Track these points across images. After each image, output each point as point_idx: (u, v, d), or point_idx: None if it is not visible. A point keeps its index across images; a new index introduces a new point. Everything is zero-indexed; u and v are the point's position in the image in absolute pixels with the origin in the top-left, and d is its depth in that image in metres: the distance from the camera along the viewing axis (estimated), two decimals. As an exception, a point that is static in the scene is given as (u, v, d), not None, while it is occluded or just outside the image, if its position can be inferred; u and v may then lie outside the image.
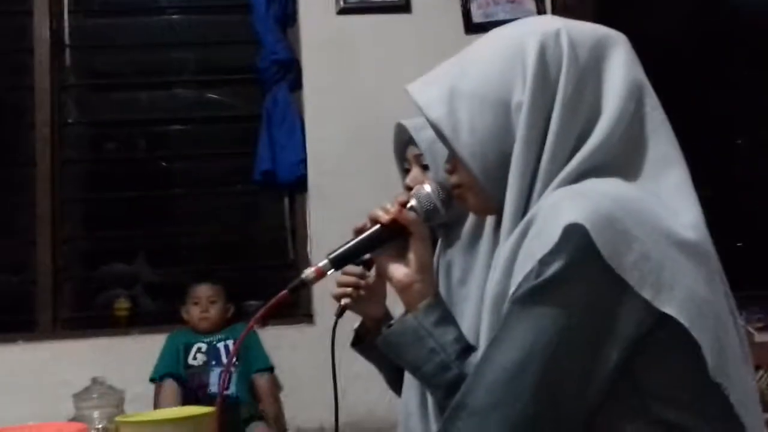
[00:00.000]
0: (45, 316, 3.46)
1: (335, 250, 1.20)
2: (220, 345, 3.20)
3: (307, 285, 1.19)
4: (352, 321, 1.53)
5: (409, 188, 1.53)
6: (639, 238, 0.91)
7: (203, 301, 3.25)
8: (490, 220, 1.34)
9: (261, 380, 3.04)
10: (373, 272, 1.42)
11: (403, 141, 1.58)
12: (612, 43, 1.05)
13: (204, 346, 3.20)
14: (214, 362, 3.15)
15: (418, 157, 1.53)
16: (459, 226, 1.47)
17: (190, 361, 3.17)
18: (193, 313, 3.24)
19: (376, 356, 1.55)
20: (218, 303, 3.25)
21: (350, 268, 1.40)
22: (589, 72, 1.03)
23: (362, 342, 1.54)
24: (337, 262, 1.20)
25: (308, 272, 1.18)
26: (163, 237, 3.74)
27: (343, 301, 1.42)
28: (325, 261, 1.19)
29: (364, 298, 1.44)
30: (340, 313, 1.42)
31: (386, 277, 1.21)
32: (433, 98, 1.07)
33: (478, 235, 1.43)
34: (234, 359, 3.08)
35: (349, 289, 1.42)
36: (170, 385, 3.06)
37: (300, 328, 3.39)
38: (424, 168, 1.52)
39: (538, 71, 1.01)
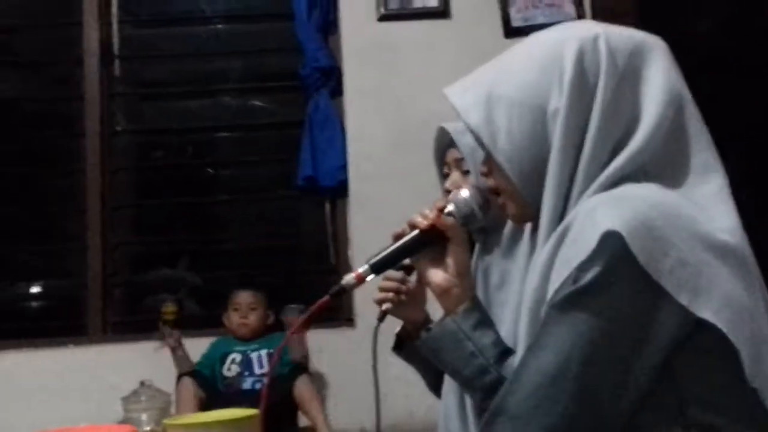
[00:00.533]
0: (95, 320, 3.53)
1: (375, 256, 1.22)
2: (254, 355, 3.21)
3: (347, 290, 1.21)
4: (393, 325, 1.54)
5: (449, 192, 1.53)
6: (676, 244, 0.91)
7: (243, 308, 3.27)
8: (528, 225, 1.34)
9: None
10: (413, 277, 1.44)
11: (444, 144, 1.58)
12: (650, 49, 1.05)
13: (238, 357, 3.22)
14: (247, 372, 3.18)
15: (459, 162, 1.54)
16: (497, 231, 1.48)
17: (225, 372, 3.19)
18: (233, 319, 3.26)
19: (417, 360, 1.56)
20: (258, 310, 3.27)
21: (391, 273, 1.42)
22: (628, 78, 1.03)
23: (403, 346, 1.55)
24: (377, 268, 1.21)
25: (348, 278, 1.20)
26: (209, 242, 3.80)
27: (385, 306, 1.44)
28: (366, 267, 1.21)
29: (405, 303, 1.45)
30: (382, 317, 1.43)
31: (425, 281, 1.22)
32: (471, 103, 1.08)
33: (516, 239, 1.43)
34: (274, 365, 3.09)
35: (390, 294, 1.44)
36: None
37: (341, 331, 3.40)
38: (465, 173, 1.53)
39: (576, 77, 1.02)
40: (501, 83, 1.07)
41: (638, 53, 1.04)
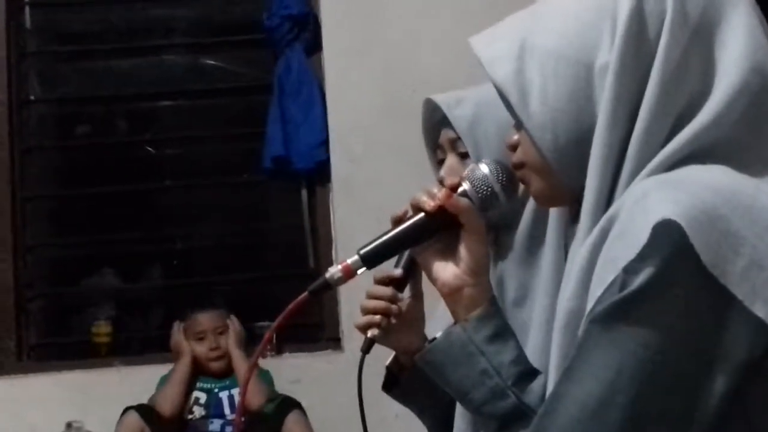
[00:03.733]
0: (7, 344, 3.50)
1: (368, 244, 1.21)
2: (223, 394, 3.22)
3: (332, 287, 1.21)
4: (386, 352, 1.54)
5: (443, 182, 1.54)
6: (749, 240, 0.90)
7: (210, 335, 3.24)
8: (554, 219, 1.34)
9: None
10: (406, 294, 1.43)
11: (435, 121, 1.58)
12: (732, 0, 1.06)
13: (203, 397, 3.22)
14: (215, 415, 3.19)
15: (454, 143, 1.53)
16: (512, 230, 1.47)
17: (187, 415, 3.19)
18: (200, 351, 3.22)
19: (414, 399, 1.56)
20: (227, 333, 3.25)
21: (378, 290, 1.41)
22: (701, 34, 1.02)
23: (396, 383, 1.55)
24: (370, 259, 1.21)
25: (334, 271, 1.20)
26: (153, 242, 3.77)
27: (370, 333, 1.42)
28: (355, 257, 1.20)
29: (397, 328, 1.44)
30: (367, 347, 1.42)
31: (431, 278, 1.22)
32: (499, 54, 1.08)
33: (537, 239, 1.42)
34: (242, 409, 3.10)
35: (377, 317, 1.42)
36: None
37: (326, 355, 3.40)
38: (462, 155, 1.52)
39: (632, 27, 1.02)
40: (538, 31, 1.07)
41: (716, 4, 1.03)
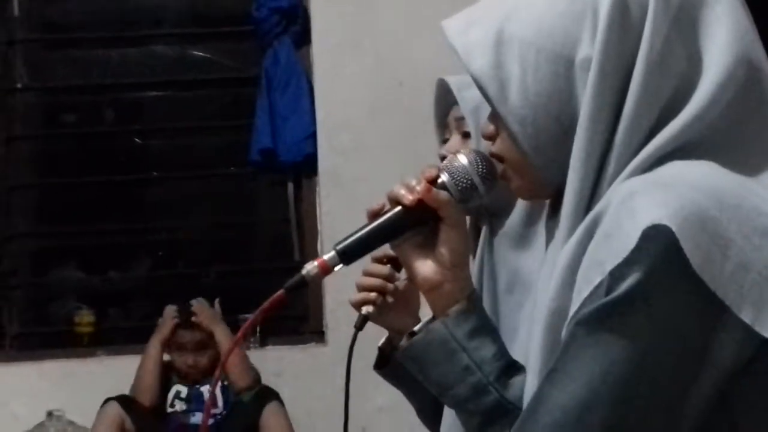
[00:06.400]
0: (-11, 332, 3.50)
1: (344, 239, 1.20)
2: (204, 389, 3.24)
3: (308, 283, 1.19)
4: (373, 339, 1.54)
5: (444, 159, 1.54)
6: (737, 241, 0.90)
7: (190, 354, 3.25)
8: (545, 208, 1.34)
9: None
10: (403, 273, 1.42)
11: (446, 103, 1.59)
12: None
13: (184, 391, 3.24)
14: (196, 409, 3.20)
15: (461, 122, 1.54)
16: (506, 216, 1.47)
17: (168, 408, 3.21)
18: (178, 361, 3.26)
19: (405, 381, 1.56)
20: (210, 350, 3.25)
21: (375, 267, 1.41)
22: (685, 23, 1.01)
23: (388, 363, 1.55)
24: (347, 255, 1.19)
25: (310, 267, 1.18)
26: (137, 233, 3.77)
27: (365, 310, 1.42)
28: (332, 253, 1.18)
29: (392, 307, 1.43)
30: (361, 324, 1.41)
31: (409, 273, 1.20)
32: (476, 43, 1.06)
33: (532, 225, 1.42)
34: (217, 402, 3.14)
35: (372, 295, 1.42)
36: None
37: (308, 348, 3.40)
38: (465, 136, 1.53)
39: (614, 18, 1.00)
40: (515, 20, 1.05)
41: None
